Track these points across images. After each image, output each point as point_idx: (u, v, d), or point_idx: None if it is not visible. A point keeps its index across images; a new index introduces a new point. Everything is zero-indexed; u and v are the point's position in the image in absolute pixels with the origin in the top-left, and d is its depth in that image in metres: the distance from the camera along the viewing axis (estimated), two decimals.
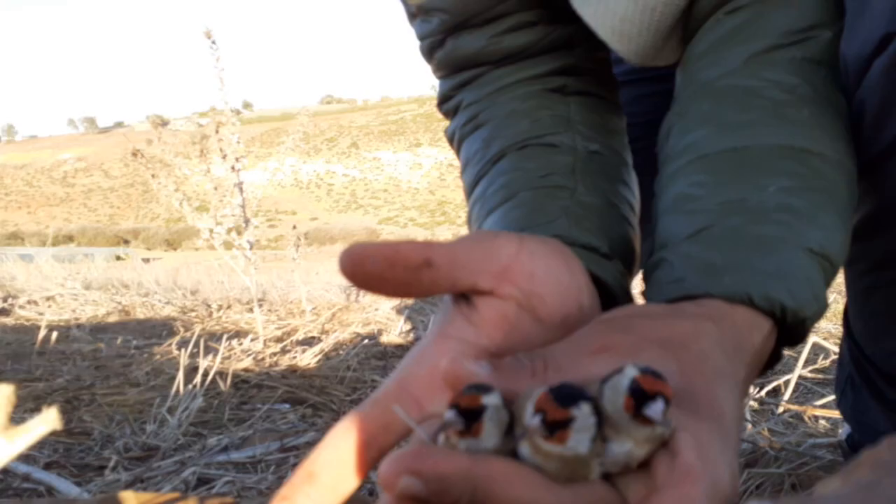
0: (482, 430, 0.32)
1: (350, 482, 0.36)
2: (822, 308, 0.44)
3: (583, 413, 0.30)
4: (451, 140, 0.73)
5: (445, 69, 0.72)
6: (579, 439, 0.30)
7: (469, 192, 0.66)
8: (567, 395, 0.31)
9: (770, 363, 0.46)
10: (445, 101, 0.73)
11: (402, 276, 0.37)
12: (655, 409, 0.31)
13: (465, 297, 0.41)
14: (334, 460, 0.36)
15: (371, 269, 0.37)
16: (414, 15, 0.70)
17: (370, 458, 0.37)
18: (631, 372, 0.31)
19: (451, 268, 0.39)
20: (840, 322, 0.68)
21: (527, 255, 0.41)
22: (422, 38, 0.71)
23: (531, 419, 0.31)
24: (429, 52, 0.72)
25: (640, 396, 0.31)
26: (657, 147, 0.57)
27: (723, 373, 0.37)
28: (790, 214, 0.45)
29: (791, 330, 0.44)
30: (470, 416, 0.32)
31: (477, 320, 0.41)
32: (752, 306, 0.42)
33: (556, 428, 0.30)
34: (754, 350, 0.41)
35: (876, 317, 0.63)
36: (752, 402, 1.37)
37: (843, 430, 0.70)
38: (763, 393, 1.49)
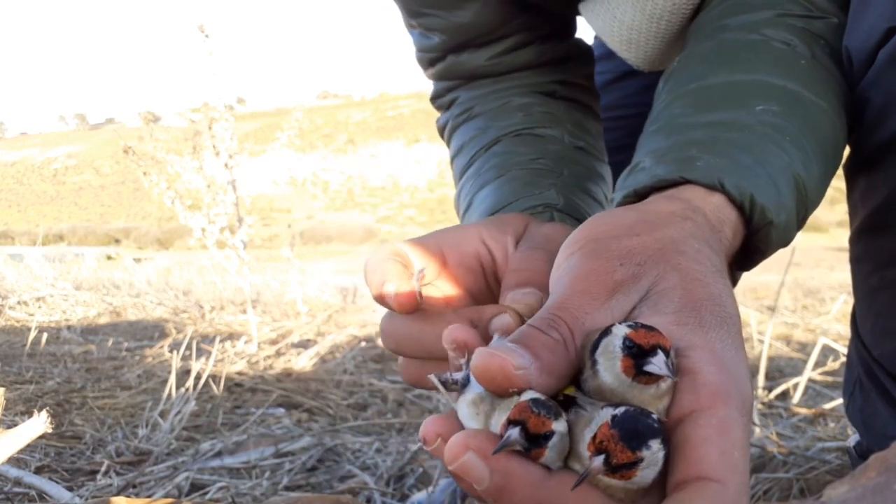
0: (543, 457, 0.29)
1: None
2: (788, 224, 0.44)
3: (652, 451, 0.27)
4: (442, 130, 0.78)
5: (442, 77, 0.76)
6: (646, 474, 0.28)
7: (461, 173, 0.70)
8: (634, 434, 0.27)
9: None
10: (439, 97, 0.78)
11: None
12: (657, 362, 0.28)
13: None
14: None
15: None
16: (413, 26, 0.73)
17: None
18: (620, 331, 0.30)
19: None
20: (849, 323, 0.68)
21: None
22: (421, 49, 0.75)
23: (595, 459, 0.27)
24: (428, 63, 0.75)
25: (637, 354, 0.29)
26: (654, 98, 0.58)
27: (717, 269, 0.38)
28: (773, 129, 0.46)
29: (754, 235, 0.44)
30: (535, 441, 0.28)
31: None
32: (724, 192, 0.42)
33: (621, 469, 0.27)
34: (729, 244, 0.42)
35: (882, 316, 0.62)
36: (760, 406, 1.37)
37: (852, 438, 0.69)
38: (772, 396, 1.48)
